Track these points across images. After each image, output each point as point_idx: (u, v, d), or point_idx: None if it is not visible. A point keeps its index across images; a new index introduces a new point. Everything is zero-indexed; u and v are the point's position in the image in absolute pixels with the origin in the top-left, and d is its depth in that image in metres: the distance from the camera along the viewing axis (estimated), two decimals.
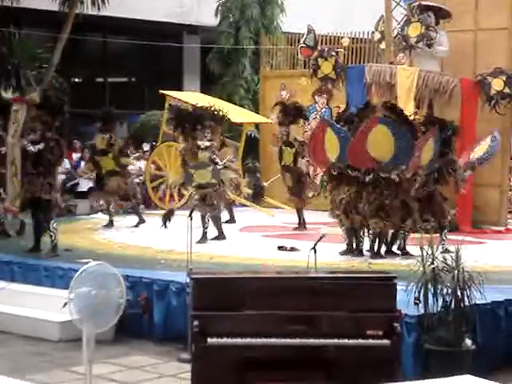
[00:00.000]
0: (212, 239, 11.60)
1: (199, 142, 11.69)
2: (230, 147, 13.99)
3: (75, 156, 18.07)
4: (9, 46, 17.65)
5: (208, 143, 11.72)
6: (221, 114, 12.32)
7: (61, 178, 15.72)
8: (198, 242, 10.83)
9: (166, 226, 11.80)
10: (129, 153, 13.80)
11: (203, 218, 11.54)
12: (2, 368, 7.54)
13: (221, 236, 11.84)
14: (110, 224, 13.31)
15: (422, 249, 7.13)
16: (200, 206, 11.39)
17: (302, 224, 13.02)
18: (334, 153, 10.06)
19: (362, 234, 10.36)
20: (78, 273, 6.13)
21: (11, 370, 7.31)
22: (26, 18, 18.93)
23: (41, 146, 10.19)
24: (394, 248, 10.46)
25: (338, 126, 10.23)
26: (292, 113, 13.16)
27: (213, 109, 12.18)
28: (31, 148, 10.17)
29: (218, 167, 11.69)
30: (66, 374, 7.48)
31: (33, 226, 10.84)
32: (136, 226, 13.39)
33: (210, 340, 5.68)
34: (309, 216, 13.22)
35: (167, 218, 11.87)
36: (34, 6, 18.17)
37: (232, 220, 13.76)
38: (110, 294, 6.12)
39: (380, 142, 9.78)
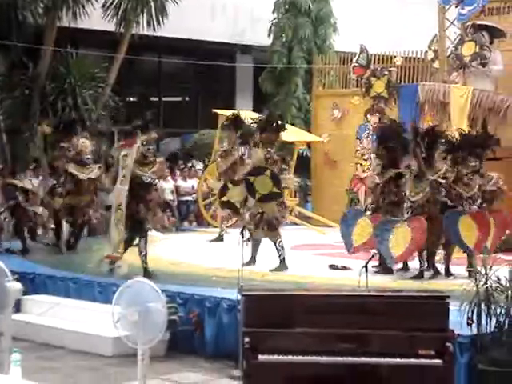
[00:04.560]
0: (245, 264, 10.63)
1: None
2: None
3: None
4: (66, 66, 17.97)
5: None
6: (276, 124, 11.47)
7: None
8: (273, 270, 10.49)
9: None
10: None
11: (276, 244, 10.54)
12: (57, 383, 7.66)
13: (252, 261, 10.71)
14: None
15: (475, 268, 7.07)
16: (258, 229, 10.46)
17: None
18: None
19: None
20: (120, 289, 6.24)
21: None
22: (83, 38, 19.28)
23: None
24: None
25: None
26: None
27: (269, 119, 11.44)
28: None
29: (285, 176, 10.67)
30: None
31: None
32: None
33: (261, 357, 5.70)
34: None
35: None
36: (90, 26, 18.48)
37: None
38: (155, 311, 6.20)
39: None
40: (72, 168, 12.17)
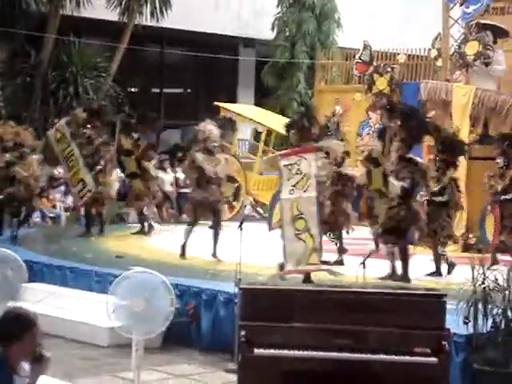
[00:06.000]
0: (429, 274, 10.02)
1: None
2: None
3: None
4: (68, 55, 17.96)
5: None
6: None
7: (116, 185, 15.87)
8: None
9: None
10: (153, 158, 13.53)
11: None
12: (52, 372, 7.64)
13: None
14: (141, 231, 13.20)
15: (472, 268, 7.07)
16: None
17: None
18: None
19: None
20: (119, 279, 6.22)
21: (61, 374, 7.40)
22: (85, 27, 19.25)
23: None
24: None
25: None
26: None
27: None
28: None
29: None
30: (114, 379, 7.56)
31: None
32: (136, 233, 13.22)
33: (256, 351, 5.69)
34: (359, 232, 13.14)
35: None
36: (93, 15, 18.47)
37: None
38: (158, 302, 6.18)
39: None
40: (200, 159, 11.25)
